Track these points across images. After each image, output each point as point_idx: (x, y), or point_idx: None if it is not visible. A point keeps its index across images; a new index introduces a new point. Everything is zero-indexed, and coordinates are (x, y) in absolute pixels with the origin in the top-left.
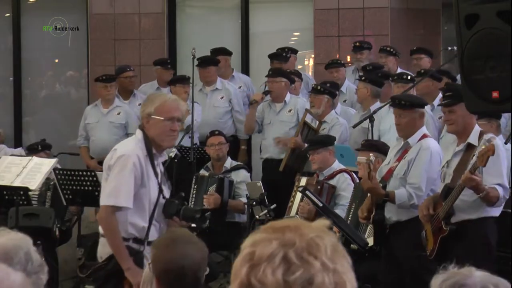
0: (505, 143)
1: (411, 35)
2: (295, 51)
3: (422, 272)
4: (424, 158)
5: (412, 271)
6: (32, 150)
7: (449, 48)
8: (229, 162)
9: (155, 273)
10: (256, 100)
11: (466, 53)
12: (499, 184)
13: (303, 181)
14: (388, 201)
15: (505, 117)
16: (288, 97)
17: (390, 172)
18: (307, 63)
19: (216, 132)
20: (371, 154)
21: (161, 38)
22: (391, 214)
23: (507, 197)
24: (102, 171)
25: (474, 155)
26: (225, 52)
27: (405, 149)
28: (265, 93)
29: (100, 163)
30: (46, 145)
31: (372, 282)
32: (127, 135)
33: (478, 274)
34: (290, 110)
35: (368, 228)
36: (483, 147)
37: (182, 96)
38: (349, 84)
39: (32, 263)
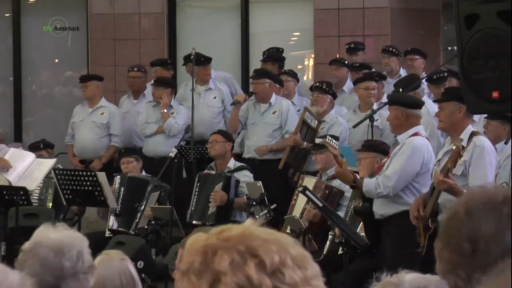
0: (505, 143)
1: (411, 35)
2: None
3: (408, 269)
4: (404, 153)
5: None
6: (34, 148)
7: (449, 48)
8: (232, 163)
9: None
10: (239, 101)
11: (466, 53)
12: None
13: (307, 180)
14: (356, 187)
15: None
16: (273, 98)
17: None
18: (307, 63)
19: (216, 131)
20: (328, 136)
21: (161, 38)
22: (377, 208)
23: None
24: (84, 170)
25: (461, 156)
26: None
27: (395, 146)
28: (249, 94)
29: (82, 162)
30: (48, 144)
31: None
32: (110, 135)
33: (407, 279)
34: (274, 112)
35: (360, 225)
36: (453, 148)
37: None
38: (351, 85)
39: (82, 263)
